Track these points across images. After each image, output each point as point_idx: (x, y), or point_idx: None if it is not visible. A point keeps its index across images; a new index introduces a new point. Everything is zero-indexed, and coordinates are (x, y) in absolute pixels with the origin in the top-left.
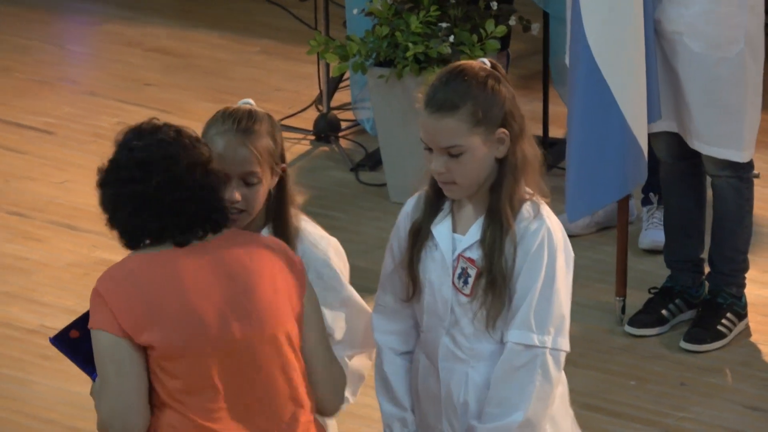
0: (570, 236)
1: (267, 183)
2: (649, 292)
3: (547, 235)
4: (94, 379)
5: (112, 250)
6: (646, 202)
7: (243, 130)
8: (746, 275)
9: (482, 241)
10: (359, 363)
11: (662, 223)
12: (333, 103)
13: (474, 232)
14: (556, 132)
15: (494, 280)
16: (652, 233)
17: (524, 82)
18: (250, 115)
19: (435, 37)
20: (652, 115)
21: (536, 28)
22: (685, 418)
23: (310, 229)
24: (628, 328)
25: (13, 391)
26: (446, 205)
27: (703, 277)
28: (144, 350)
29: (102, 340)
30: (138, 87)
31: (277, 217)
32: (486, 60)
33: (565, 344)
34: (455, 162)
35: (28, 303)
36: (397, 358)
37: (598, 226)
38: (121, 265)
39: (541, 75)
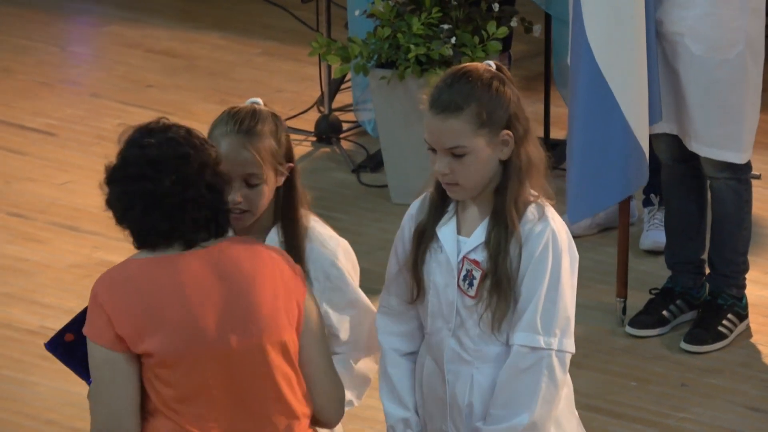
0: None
1: (271, 183)
2: (650, 293)
3: (552, 237)
4: (89, 384)
5: (113, 251)
6: (647, 203)
7: (245, 131)
8: (747, 276)
9: (487, 243)
10: (365, 366)
11: (663, 224)
12: (334, 105)
13: (479, 234)
14: (557, 133)
15: (499, 282)
16: (654, 234)
17: (526, 84)
18: (254, 116)
19: (437, 39)
20: (653, 117)
21: (538, 29)
22: (685, 418)
23: (319, 228)
24: (629, 329)
25: (14, 392)
26: (451, 207)
27: (704, 278)
28: (138, 358)
29: (95, 350)
30: (140, 88)
31: (285, 217)
32: (491, 62)
33: (570, 346)
34: (459, 163)
35: (29, 304)
36: (401, 360)
37: (600, 227)
38: (120, 269)
39: (542, 76)
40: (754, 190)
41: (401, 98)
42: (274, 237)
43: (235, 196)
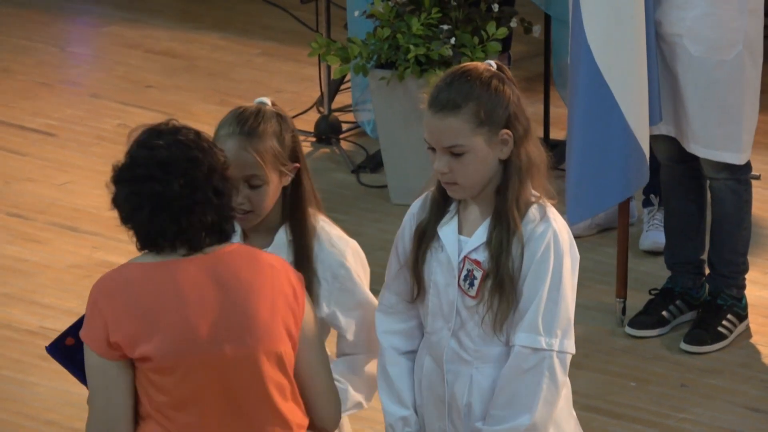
0: None
1: (274, 184)
2: (650, 294)
3: (554, 238)
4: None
5: (113, 252)
6: (647, 203)
7: (247, 133)
8: (747, 276)
9: (488, 243)
10: (374, 368)
11: (663, 224)
12: (334, 105)
13: (480, 234)
14: (557, 134)
15: (501, 283)
16: (653, 234)
17: (526, 84)
18: (257, 117)
19: (436, 39)
20: (653, 118)
21: (537, 30)
22: (685, 419)
23: (328, 229)
24: (628, 330)
25: (14, 392)
26: (452, 207)
27: (704, 278)
28: (133, 364)
29: (90, 355)
30: (139, 89)
31: (293, 216)
32: (492, 62)
33: (571, 347)
34: (457, 162)
35: (29, 305)
36: (400, 358)
37: (599, 228)
38: (118, 273)
39: (542, 77)
40: (753, 190)
41: (401, 99)
42: (282, 236)
43: (238, 196)
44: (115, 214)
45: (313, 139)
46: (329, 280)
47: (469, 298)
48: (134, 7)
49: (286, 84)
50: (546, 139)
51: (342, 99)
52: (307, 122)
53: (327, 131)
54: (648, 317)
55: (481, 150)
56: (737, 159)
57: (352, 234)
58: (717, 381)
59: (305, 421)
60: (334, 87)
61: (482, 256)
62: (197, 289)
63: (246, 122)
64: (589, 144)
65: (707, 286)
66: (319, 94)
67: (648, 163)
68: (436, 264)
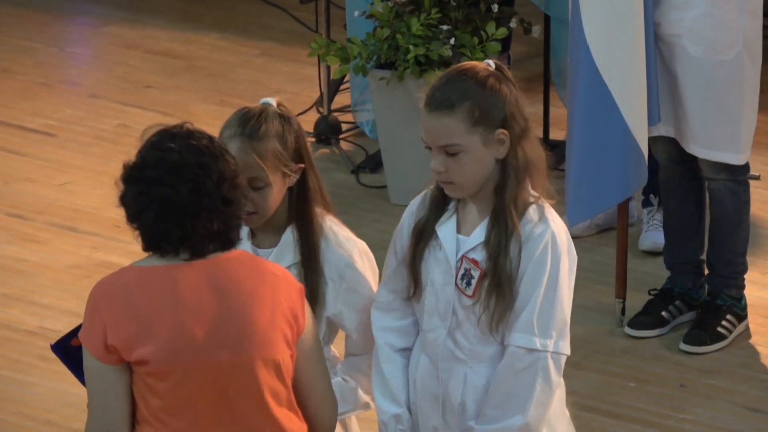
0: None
1: (278, 185)
2: (649, 294)
3: (552, 239)
4: None
5: (112, 252)
6: (646, 203)
7: (248, 135)
8: (746, 277)
9: (486, 243)
10: None
11: (662, 224)
12: (334, 106)
13: (479, 233)
14: (557, 134)
15: (499, 283)
16: (653, 235)
17: (525, 85)
18: (259, 118)
19: (436, 40)
20: (652, 119)
21: (537, 30)
22: (684, 419)
23: (336, 229)
24: (628, 330)
25: (13, 392)
26: (451, 206)
27: (703, 278)
28: (131, 368)
29: (89, 359)
30: (139, 89)
31: (300, 216)
32: (491, 61)
33: (566, 348)
34: (453, 161)
35: (29, 305)
36: (394, 355)
37: (599, 228)
38: (117, 276)
39: (542, 77)
40: (753, 190)
41: (400, 99)
42: (289, 235)
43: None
44: (113, 214)
45: (313, 140)
46: (336, 280)
47: (466, 297)
48: (134, 8)
49: (286, 84)
50: (546, 140)
51: (341, 99)
52: (307, 122)
53: (326, 131)
54: (647, 317)
55: (477, 149)
56: (736, 159)
57: None
58: (716, 381)
59: (303, 428)
60: (334, 87)
61: (480, 255)
62: (196, 294)
63: (248, 124)
64: (589, 144)
65: (706, 286)
66: (318, 94)
67: (647, 163)
68: (433, 262)
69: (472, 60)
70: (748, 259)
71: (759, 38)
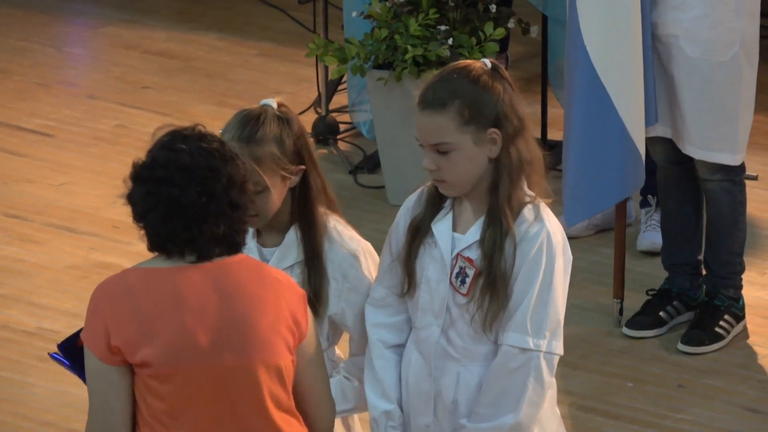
0: (568, 238)
1: (277, 188)
2: (647, 294)
3: (547, 239)
4: None
5: (110, 253)
6: (644, 204)
7: (245, 139)
8: (744, 277)
9: (482, 242)
10: None
11: (660, 225)
12: (332, 106)
13: (474, 232)
14: (555, 134)
15: (493, 282)
16: (651, 235)
17: (523, 85)
18: (256, 122)
19: (434, 40)
20: (649, 119)
21: (535, 30)
22: (682, 419)
23: (340, 229)
24: (626, 330)
25: (11, 393)
26: (447, 203)
27: (701, 279)
28: (132, 370)
29: (91, 359)
30: (137, 90)
31: (302, 217)
32: (487, 60)
33: (559, 348)
34: (445, 159)
35: (27, 305)
36: (386, 352)
37: (597, 228)
38: (120, 278)
39: (540, 77)
40: (751, 191)
41: (398, 99)
42: (292, 235)
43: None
44: (111, 215)
45: (311, 140)
46: (339, 279)
47: (460, 295)
48: (132, 8)
49: (284, 85)
50: (544, 140)
51: (339, 100)
52: (305, 123)
53: (324, 132)
54: (645, 318)
55: (468, 148)
56: (732, 160)
57: None
58: (714, 381)
59: None
60: (332, 88)
61: (475, 254)
62: (199, 297)
63: (245, 128)
64: (586, 145)
65: (704, 286)
66: (316, 94)
67: (644, 164)
68: (429, 259)
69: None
70: (746, 259)
71: (756, 39)
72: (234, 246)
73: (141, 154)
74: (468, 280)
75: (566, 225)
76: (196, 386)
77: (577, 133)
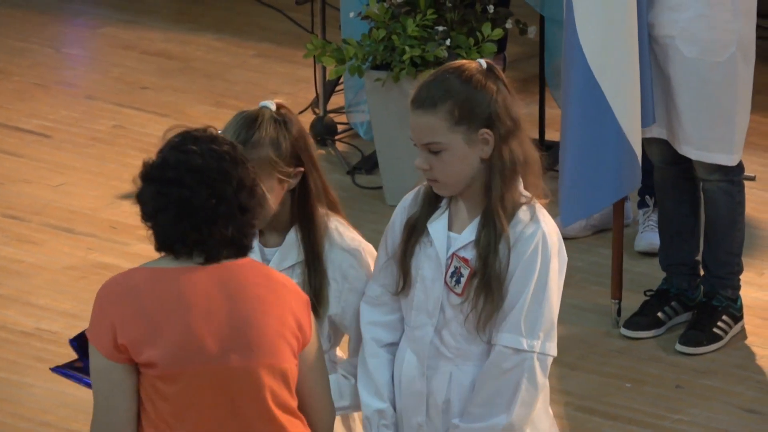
0: (565, 239)
1: (275, 190)
2: (645, 295)
3: (542, 240)
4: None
5: (108, 253)
6: (642, 204)
7: (241, 142)
8: (742, 278)
9: (477, 242)
10: None
11: (658, 225)
12: (329, 107)
13: (469, 232)
14: (552, 135)
15: (488, 282)
16: (648, 236)
17: (521, 85)
18: (252, 125)
19: (432, 41)
20: (646, 120)
21: (533, 31)
22: (680, 420)
23: (341, 230)
24: (623, 331)
25: (9, 393)
26: (443, 203)
27: (699, 279)
28: (138, 370)
29: (96, 357)
30: (135, 90)
31: (302, 218)
32: (483, 61)
33: (552, 349)
34: (436, 159)
35: (25, 306)
36: (380, 350)
37: (594, 229)
38: (125, 277)
39: (537, 78)
40: (749, 191)
41: (396, 100)
42: (292, 236)
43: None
44: (109, 215)
45: (312, 141)
46: (339, 280)
47: (455, 295)
48: (130, 9)
49: (282, 85)
50: (541, 141)
51: (337, 100)
52: (303, 123)
53: (322, 132)
54: (643, 318)
55: (460, 148)
56: (729, 160)
57: None
58: (712, 382)
59: None
60: (330, 88)
61: (470, 254)
62: (205, 298)
63: (240, 132)
64: (582, 146)
65: (702, 287)
66: (314, 95)
67: (640, 165)
68: (424, 258)
69: None
70: (744, 260)
71: (753, 39)
72: (242, 249)
73: (139, 155)
74: (463, 280)
75: (562, 225)
76: (201, 387)
77: (574, 134)
